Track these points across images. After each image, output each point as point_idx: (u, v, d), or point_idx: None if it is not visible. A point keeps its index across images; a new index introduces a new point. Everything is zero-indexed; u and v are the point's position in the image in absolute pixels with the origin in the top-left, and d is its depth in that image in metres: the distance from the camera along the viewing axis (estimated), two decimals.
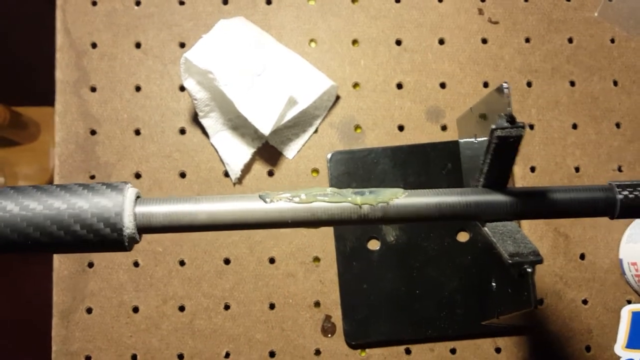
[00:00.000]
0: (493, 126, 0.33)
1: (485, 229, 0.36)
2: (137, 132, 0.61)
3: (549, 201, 0.35)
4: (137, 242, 0.33)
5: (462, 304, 0.57)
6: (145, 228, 0.33)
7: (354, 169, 0.59)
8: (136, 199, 0.33)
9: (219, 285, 0.59)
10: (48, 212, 0.31)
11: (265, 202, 0.34)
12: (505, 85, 0.34)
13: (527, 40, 0.62)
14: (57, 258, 0.59)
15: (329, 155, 0.59)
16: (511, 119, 0.32)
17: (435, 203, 0.35)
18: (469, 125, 0.45)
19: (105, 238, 0.32)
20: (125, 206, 0.32)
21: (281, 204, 0.34)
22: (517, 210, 0.35)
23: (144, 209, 0.33)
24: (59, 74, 0.61)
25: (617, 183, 0.36)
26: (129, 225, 0.32)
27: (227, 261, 0.59)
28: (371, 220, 0.35)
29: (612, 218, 0.36)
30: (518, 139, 0.33)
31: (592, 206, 0.36)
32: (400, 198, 0.35)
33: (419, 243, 0.58)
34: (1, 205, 0.31)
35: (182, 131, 0.61)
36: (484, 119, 0.40)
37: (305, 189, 0.35)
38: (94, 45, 0.61)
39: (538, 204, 0.35)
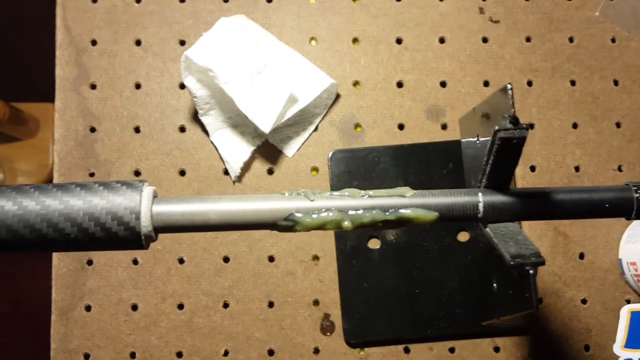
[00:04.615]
0: (496, 127, 0.32)
1: (487, 230, 0.35)
2: (137, 130, 0.60)
3: (556, 203, 0.35)
4: (153, 240, 0.33)
5: (462, 303, 0.57)
6: (162, 227, 0.33)
7: (354, 167, 0.59)
8: (153, 198, 0.33)
9: (218, 283, 0.58)
10: (64, 209, 0.31)
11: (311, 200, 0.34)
12: (509, 86, 0.34)
13: (528, 39, 0.62)
14: (56, 255, 0.59)
15: (330, 154, 0.59)
16: (514, 121, 0.32)
17: (436, 204, 0.35)
18: (472, 125, 0.45)
19: (122, 236, 0.32)
20: (142, 205, 0.32)
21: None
22: (520, 211, 0.35)
23: (161, 207, 0.33)
24: (58, 71, 0.61)
25: (634, 184, 0.36)
26: (146, 224, 0.32)
27: (226, 259, 0.59)
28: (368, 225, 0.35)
29: (628, 219, 0.36)
30: (521, 141, 0.33)
31: (609, 207, 0.36)
32: (407, 197, 0.35)
33: (419, 242, 0.58)
34: (17, 202, 0.31)
35: (182, 129, 0.60)
36: (487, 119, 0.40)
37: (345, 190, 0.35)
38: (94, 43, 0.61)
39: (544, 205, 0.35)
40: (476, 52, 0.62)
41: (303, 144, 0.60)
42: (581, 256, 0.59)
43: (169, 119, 0.60)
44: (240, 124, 0.59)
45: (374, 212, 0.34)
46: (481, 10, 0.62)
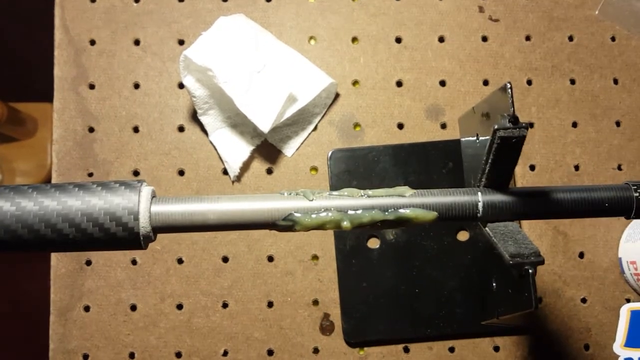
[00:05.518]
0: (495, 126, 0.32)
1: (487, 229, 0.35)
2: (136, 130, 0.60)
3: (555, 202, 0.35)
4: (152, 240, 0.33)
5: (462, 303, 0.57)
6: (161, 227, 0.33)
7: (354, 167, 0.59)
8: (152, 198, 0.33)
9: (217, 283, 0.58)
10: (62, 210, 0.31)
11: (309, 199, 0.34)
12: (508, 85, 0.34)
13: (528, 38, 0.62)
14: (54, 256, 0.59)
15: (329, 153, 0.59)
16: (514, 120, 0.32)
17: (436, 203, 0.35)
18: (471, 124, 0.45)
19: (121, 237, 0.32)
20: (140, 205, 0.32)
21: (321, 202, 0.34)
22: (520, 211, 0.35)
23: (160, 207, 0.33)
24: (57, 71, 0.61)
25: (633, 183, 0.36)
26: (144, 224, 0.32)
27: (225, 259, 0.59)
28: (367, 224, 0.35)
29: (628, 218, 0.36)
30: (521, 140, 0.33)
31: (609, 206, 0.36)
32: (407, 197, 0.35)
33: (418, 242, 0.58)
34: (15, 202, 0.31)
35: (181, 129, 0.60)
36: (487, 118, 0.40)
37: (339, 190, 0.35)
38: (92, 42, 0.61)
39: (544, 204, 0.35)
40: (476, 51, 0.61)
41: (302, 143, 0.60)
42: (581, 255, 0.59)
43: (168, 119, 0.60)
44: (240, 123, 0.59)
45: (373, 212, 0.34)
46: (481, 9, 0.62)
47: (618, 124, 0.61)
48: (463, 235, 0.58)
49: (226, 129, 0.59)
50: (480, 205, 0.35)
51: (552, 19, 0.62)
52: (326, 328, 0.58)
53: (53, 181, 0.59)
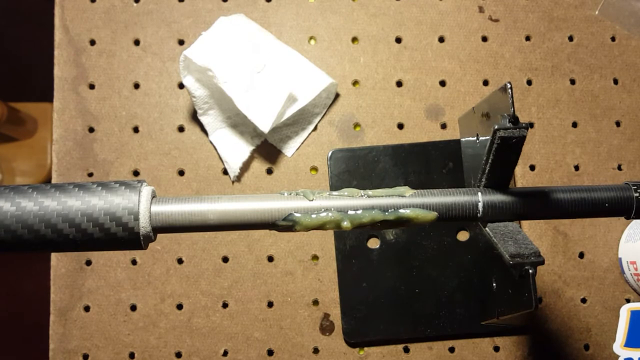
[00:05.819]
0: (495, 126, 0.32)
1: (487, 229, 0.35)
2: (136, 130, 0.60)
3: (555, 202, 0.35)
4: (152, 240, 0.33)
5: (462, 303, 0.57)
6: (161, 227, 0.33)
7: (354, 167, 0.59)
8: (152, 198, 0.33)
9: (217, 283, 0.58)
10: (62, 210, 0.31)
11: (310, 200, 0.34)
12: (508, 85, 0.34)
13: (528, 38, 0.62)
14: (54, 256, 0.59)
15: (329, 153, 0.59)
16: (514, 120, 0.32)
17: (436, 203, 0.35)
18: (471, 124, 0.44)
19: (121, 237, 0.32)
20: (141, 205, 0.32)
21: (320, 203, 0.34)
22: (520, 211, 0.35)
23: (160, 208, 0.33)
24: (57, 71, 0.61)
25: (633, 183, 0.36)
26: (144, 224, 0.32)
27: (225, 259, 0.59)
28: (367, 224, 0.35)
29: (628, 218, 0.36)
30: (521, 140, 0.32)
31: (609, 206, 0.36)
32: (407, 197, 0.35)
33: (418, 242, 0.58)
34: (15, 202, 0.31)
35: (181, 129, 0.60)
36: (487, 118, 0.40)
37: (339, 190, 0.35)
38: (92, 42, 0.61)
39: (544, 204, 0.35)
40: (476, 51, 0.61)
41: (302, 143, 0.60)
42: (581, 255, 0.59)
43: (168, 119, 0.60)
44: (240, 123, 0.59)
45: (373, 212, 0.34)
46: (481, 9, 0.62)
47: (618, 124, 0.61)
48: (463, 235, 0.58)
49: (226, 129, 0.59)
50: (480, 205, 0.35)
51: (552, 19, 0.62)
52: (326, 328, 0.58)
53: (53, 181, 0.59)
